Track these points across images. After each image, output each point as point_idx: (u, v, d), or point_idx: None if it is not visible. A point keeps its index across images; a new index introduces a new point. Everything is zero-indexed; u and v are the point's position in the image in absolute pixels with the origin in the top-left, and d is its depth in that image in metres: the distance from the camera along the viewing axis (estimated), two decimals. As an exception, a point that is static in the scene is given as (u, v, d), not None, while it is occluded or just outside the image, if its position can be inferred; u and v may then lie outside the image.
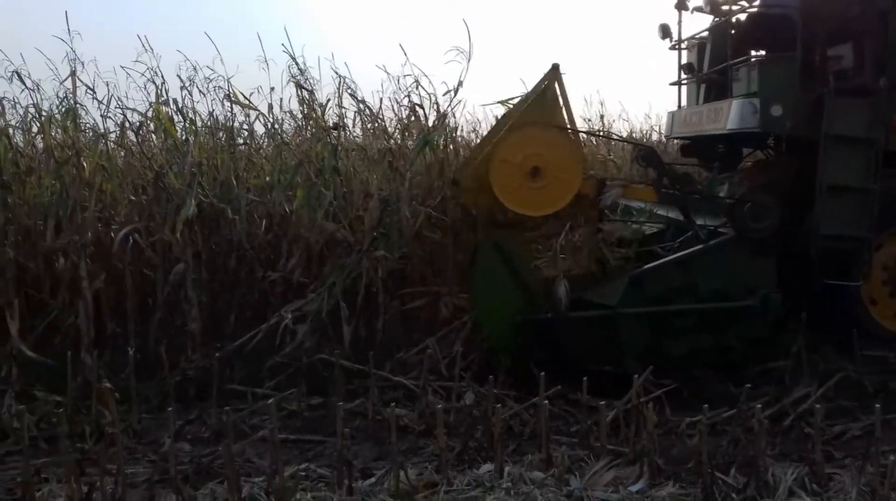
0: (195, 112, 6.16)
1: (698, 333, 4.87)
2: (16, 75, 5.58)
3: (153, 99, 5.85)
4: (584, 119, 9.84)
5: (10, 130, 5.80)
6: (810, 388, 4.69)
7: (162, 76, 5.87)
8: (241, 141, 6.41)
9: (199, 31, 5.83)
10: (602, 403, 3.90)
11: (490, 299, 5.06)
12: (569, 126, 5.25)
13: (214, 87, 6.13)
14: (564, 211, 5.17)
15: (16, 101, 5.85)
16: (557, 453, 3.88)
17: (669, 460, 3.88)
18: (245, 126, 6.50)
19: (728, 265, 5.00)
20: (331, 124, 6.02)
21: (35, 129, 5.97)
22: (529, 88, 5.31)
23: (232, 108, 6.24)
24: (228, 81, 6.04)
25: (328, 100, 6.16)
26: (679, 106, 7.15)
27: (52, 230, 5.41)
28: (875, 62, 5.61)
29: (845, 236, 5.26)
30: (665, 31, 6.56)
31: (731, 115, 5.67)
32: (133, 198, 5.83)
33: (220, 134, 6.25)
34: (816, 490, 3.53)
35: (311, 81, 6.10)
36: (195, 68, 6.04)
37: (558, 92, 5.19)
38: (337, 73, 6.11)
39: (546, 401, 3.93)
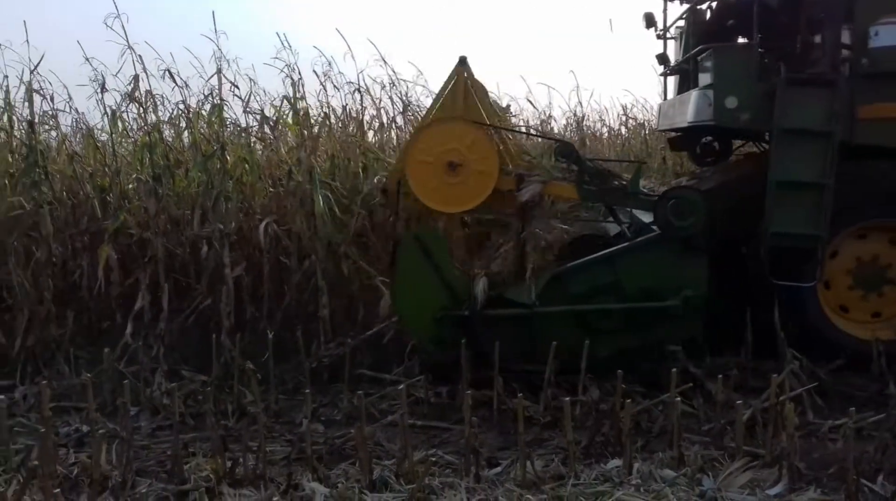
0: (329, 107, 6.40)
1: (623, 333, 4.69)
2: (167, 73, 5.99)
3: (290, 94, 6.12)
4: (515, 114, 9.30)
5: (161, 126, 6.23)
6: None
7: (299, 72, 6.14)
8: (371, 134, 6.60)
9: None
10: (739, 402, 3.76)
11: (411, 293, 4.90)
12: (485, 119, 5.09)
13: (347, 81, 6.34)
14: (484, 206, 5.11)
15: (166, 98, 6.27)
16: (689, 451, 3.77)
17: (811, 464, 3.69)
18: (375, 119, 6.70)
19: (655, 264, 4.81)
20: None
21: (183, 124, 6.38)
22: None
23: (362, 100, 6.44)
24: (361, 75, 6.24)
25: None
26: (664, 98, 6.81)
27: (198, 220, 5.77)
28: (835, 51, 5.21)
29: (796, 234, 4.86)
30: (649, 21, 6.10)
31: (690, 107, 5.35)
32: (271, 189, 6.12)
33: (351, 127, 6.45)
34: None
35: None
36: (330, 63, 6.27)
37: (469, 85, 5.07)
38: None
39: (678, 398, 3.83)
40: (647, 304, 4.74)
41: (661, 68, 6.72)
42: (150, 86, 6.00)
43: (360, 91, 6.36)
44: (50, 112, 6.27)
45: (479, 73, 5.35)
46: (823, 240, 4.86)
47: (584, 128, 10.35)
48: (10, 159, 6.20)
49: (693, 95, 5.41)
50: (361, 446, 3.53)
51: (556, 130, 10.10)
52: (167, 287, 5.59)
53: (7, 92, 6.14)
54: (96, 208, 6.01)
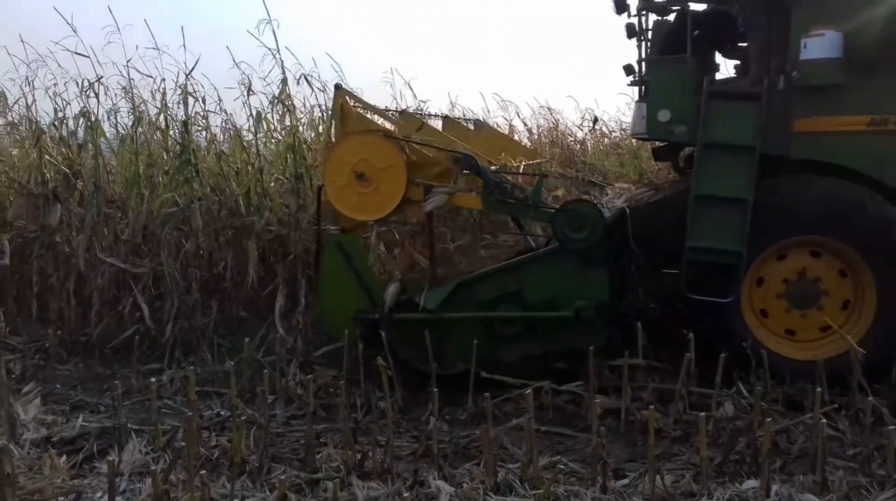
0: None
1: (526, 340, 4.75)
2: (304, 79, 6.27)
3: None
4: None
5: (300, 128, 6.51)
6: None
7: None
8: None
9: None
10: (891, 427, 3.50)
11: (332, 295, 5.16)
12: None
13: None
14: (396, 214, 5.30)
15: (307, 100, 6.56)
16: (833, 477, 3.56)
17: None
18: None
19: (556, 275, 4.91)
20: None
21: (321, 128, 6.63)
22: None
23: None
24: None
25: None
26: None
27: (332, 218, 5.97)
28: (763, 63, 5.13)
29: (714, 249, 4.72)
30: (620, 5, 5.51)
31: (632, 119, 5.19)
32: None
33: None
34: None
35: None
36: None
37: (351, 108, 5.18)
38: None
39: (822, 419, 3.61)
40: (543, 313, 4.88)
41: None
42: (291, 90, 6.30)
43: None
44: (202, 113, 6.70)
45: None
46: (743, 256, 4.71)
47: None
48: (165, 157, 6.65)
49: (634, 107, 5.36)
50: (487, 448, 3.55)
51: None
52: (304, 282, 5.83)
53: (164, 94, 6.59)
54: (240, 205, 6.34)
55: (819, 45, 4.70)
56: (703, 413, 3.61)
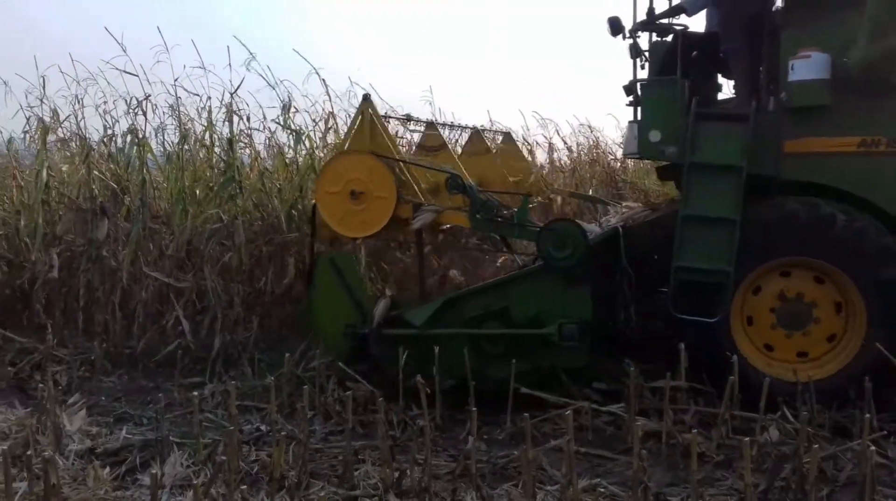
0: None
1: (514, 357, 4.72)
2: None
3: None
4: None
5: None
6: None
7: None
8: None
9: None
10: (944, 457, 3.39)
11: (325, 310, 5.28)
12: (391, 151, 5.31)
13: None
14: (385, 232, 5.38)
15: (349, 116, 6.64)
16: (883, 506, 3.45)
17: None
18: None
19: (541, 293, 4.97)
20: None
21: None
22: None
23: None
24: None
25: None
26: None
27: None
28: (747, 84, 5.24)
29: (701, 268, 4.74)
30: (615, 27, 5.49)
31: (625, 139, 5.24)
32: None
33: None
34: None
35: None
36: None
37: (374, 120, 5.28)
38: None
39: (871, 446, 3.51)
40: (526, 330, 4.94)
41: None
42: (332, 108, 6.39)
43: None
44: (245, 131, 6.82)
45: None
46: (730, 276, 4.71)
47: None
48: (209, 174, 6.77)
49: (627, 126, 5.46)
50: (526, 469, 3.51)
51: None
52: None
53: (210, 112, 6.73)
54: (282, 221, 6.42)
55: (806, 66, 4.72)
56: (746, 438, 3.53)
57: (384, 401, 4.06)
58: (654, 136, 5.11)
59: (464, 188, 5.11)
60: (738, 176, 4.73)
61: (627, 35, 5.46)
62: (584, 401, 4.77)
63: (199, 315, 6.29)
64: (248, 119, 6.74)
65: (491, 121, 9.19)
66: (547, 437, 4.54)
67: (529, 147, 9.97)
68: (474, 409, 3.89)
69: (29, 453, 3.61)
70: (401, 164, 5.24)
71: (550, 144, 10.29)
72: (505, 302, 5.03)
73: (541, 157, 10.15)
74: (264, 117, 6.87)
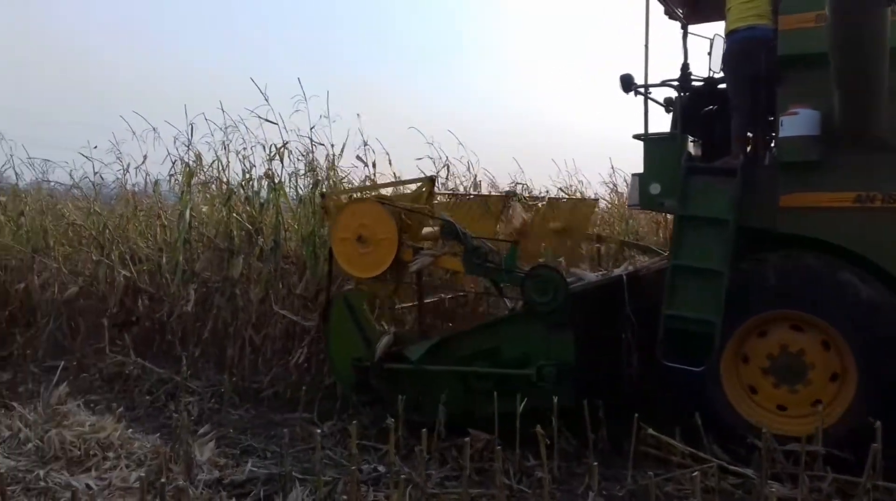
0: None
1: (500, 395, 4.75)
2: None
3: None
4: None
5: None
6: None
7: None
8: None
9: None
10: None
11: (339, 345, 5.67)
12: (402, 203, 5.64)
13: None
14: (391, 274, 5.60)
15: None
16: None
17: None
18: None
19: (528, 335, 5.11)
20: None
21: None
22: None
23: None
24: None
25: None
26: None
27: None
28: (742, 139, 5.47)
29: (689, 318, 4.90)
30: (626, 84, 5.65)
31: (629, 191, 5.54)
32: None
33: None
34: None
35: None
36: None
37: (429, 197, 5.66)
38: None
39: None
40: (507, 370, 5.08)
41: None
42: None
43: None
44: (370, 177, 7.18)
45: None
46: (717, 326, 4.80)
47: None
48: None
49: (630, 178, 5.71)
50: (649, 530, 3.38)
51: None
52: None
53: (333, 160, 7.19)
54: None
55: (794, 123, 4.81)
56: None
57: (501, 450, 4.02)
58: (655, 188, 5.38)
59: (457, 235, 5.37)
60: (727, 229, 4.88)
61: (640, 91, 5.70)
62: (711, 459, 4.55)
63: (322, 353, 6.47)
64: (374, 165, 7.11)
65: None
66: (670, 497, 4.36)
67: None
68: (595, 463, 3.80)
69: (162, 480, 3.79)
70: (402, 212, 5.58)
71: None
72: (495, 342, 5.26)
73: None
74: (390, 163, 7.16)
